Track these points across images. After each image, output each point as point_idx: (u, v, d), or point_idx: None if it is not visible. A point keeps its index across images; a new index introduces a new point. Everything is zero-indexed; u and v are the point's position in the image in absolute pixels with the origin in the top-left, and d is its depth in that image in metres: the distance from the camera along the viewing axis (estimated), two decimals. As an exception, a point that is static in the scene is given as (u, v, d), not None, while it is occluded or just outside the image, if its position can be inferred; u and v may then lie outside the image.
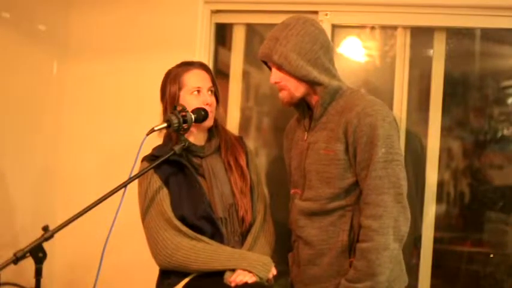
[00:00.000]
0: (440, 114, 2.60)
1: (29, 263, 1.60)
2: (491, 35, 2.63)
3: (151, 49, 2.81)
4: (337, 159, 1.78)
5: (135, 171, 1.97)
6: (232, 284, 1.88)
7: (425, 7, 2.54)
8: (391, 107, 2.66)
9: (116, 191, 1.85)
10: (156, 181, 2.00)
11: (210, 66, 2.82)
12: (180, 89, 2.05)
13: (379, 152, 1.71)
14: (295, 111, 2.01)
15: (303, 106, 1.94)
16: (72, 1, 2.91)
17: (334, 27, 2.68)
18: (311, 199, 1.85)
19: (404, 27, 2.64)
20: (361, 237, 1.72)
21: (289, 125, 2.11)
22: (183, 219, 1.97)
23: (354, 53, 2.78)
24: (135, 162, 1.96)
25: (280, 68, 1.83)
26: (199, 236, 1.96)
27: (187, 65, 2.11)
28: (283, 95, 1.89)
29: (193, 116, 1.98)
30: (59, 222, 1.69)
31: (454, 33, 2.62)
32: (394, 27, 2.66)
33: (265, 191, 2.24)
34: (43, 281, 1.61)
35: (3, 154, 2.57)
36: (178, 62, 2.78)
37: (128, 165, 2.14)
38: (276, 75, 1.86)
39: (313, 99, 1.87)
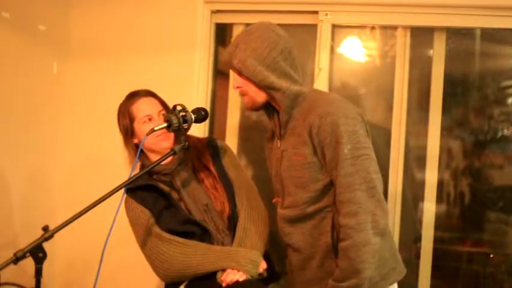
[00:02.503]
0: (440, 114, 2.60)
1: (29, 263, 1.60)
2: (491, 35, 2.63)
3: (151, 49, 2.81)
4: (307, 162, 1.78)
5: (135, 171, 1.97)
6: (224, 284, 1.90)
7: (425, 7, 2.54)
8: (391, 107, 2.66)
9: (116, 191, 1.85)
10: (140, 210, 2.06)
11: (210, 66, 2.83)
12: (131, 121, 2.10)
13: (345, 149, 1.70)
14: (269, 121, 2.01)
15: (273, 114, 1.94)
16: (72, 1, 2.91)
17: (334, 27, 2.68)
18: (290, 206, 1.86)
19: (404, 27, 2.64)
20: (340, 236, 1.72)
21: (267, 134, 2.11)
22: (170, 232, 2.02)
23: (354, 53, 2.78)
24: (136, 161, 1.96)
25: (240, 73, 1.85)
26: (187, 241, 1.99)
27: (133, 97, 2.15)
28: (245, 100, 1.91)
29: (193, 116, 1.98)
30: (59, 222, 1.69)
31: (454, 33, 2.62)
32: (394, 27, 2.67)
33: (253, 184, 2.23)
34: (43, 281, 1.61)
35: (3, 154, 2.57)
36: (179, 61, 2.80)
37: (127, 165, 2.14)
38: (236, 81, 1.88)
39: (278, 106, 1.88)
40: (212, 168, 2.12)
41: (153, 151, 2.10)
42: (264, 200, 2.19)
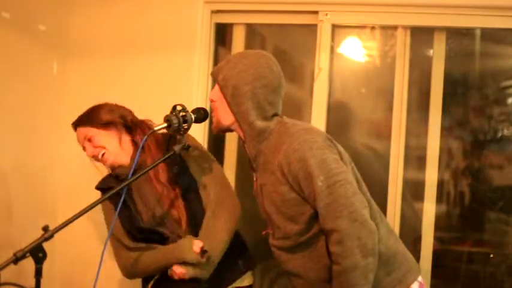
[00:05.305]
0: (440, 114, 2.60)
1: (29, 263, 1.60)
2: (491, 35, 2.63)
3: (151, 49, 2.81)
4: (288, 199, 1.77)
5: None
6: (175, 277, 1.99)
7: (425, 7, 2.54)
8: (391, 107, 2.66)
9: (116, 191, 1.85)
10: (110, 208, 2.10)
11: (210, 66, 2.83)
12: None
13: (318, 182, 1.69)
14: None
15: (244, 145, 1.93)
16: (72, 1, 2.91)
17: (334, 27, 2.68)
18: (282, 238, 1.86)
19: (404, 27, 2.64)
20: (332, 260, 1.73)
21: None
22: (131, 235, 2.08)
23: (354, 53, 2.78)
24: (136, 162, 1.96)
25: (221, 89, 1.84)
26: (139, 245, 2.07)
27: None
28: (213, 117, 1.90)
29: (193, 116, 1.98)
30: (59, 222, 1.69)
31: (454, 33, 2.62)
32: (394, 27, 2.67)
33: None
34: (43, 281, 1.60)
35: (3, 154, 2.57)
36: (179, 61, 2.79)
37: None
38: (214, 93, 1.88)
39: (244, 137, 1.87)
40: (165, 172, 2.08)
41: None
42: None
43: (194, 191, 2.09)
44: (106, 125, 2.07)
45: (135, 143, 2.11)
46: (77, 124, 2.10)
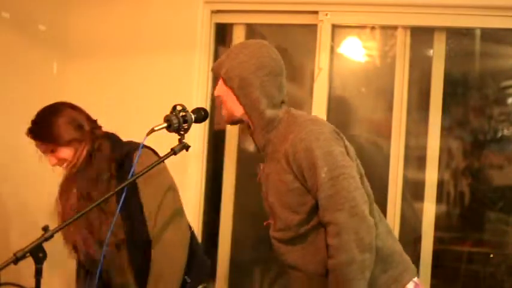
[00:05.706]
0: (440, 114, 2.60)
1: (29, 263, 1.60)
2: (491, 35, 2.63)
3: (151, 49, 2.81)
4: (292, 189, 1.77)
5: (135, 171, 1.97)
6: None
7: (425, 7, 2.54)
8: (391, 107, 2.66)
9: (116, 191, 1.84)
10: None
11: (210, 66, 2.82)
12: None
13: (322, 173, 1.69)
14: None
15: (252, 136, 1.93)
16: (72, 1, 2.91)
17: (334, 27, 2.68)
18: (282, 229, 1.86)
19: (404, 27, 2.64)
20: (328, 253, 1.73)
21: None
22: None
23: (354, 53, 2.78)
24: (135, 162, 1.95)
25: (225, 82, 1.84)
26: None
27: None
28: (223, 112, 1.91)
29: (193, 116, 1.97)
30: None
31: (454, 33, 2.62)
32: (394, 27, 2.67)
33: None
34: (43, 281, 1.61)
35: (3, 154, 2.56)
36: (179, 61, 2.79)
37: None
38: (219, 89, 1.87)
39: (253, 126, 1.87)
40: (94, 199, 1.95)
41: None
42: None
43: (139, 217, 2.00)
44: (68, 143, 2.01)
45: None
46: (35, 139, 2.02)
